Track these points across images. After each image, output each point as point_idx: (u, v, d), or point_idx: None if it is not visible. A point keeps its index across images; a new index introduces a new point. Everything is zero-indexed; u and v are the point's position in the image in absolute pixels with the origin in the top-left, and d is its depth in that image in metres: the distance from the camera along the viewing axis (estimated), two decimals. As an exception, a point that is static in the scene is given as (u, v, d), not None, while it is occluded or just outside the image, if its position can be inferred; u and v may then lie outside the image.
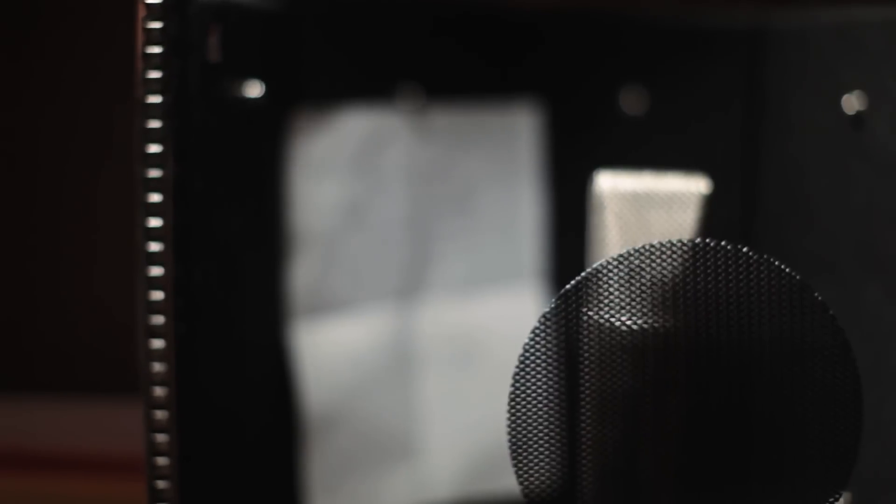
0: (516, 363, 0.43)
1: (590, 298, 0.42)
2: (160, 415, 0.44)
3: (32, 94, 1.00)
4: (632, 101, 0.62)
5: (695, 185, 0.46)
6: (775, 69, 0.57)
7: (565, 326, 0.42)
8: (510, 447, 0.43)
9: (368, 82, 0.59)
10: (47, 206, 1.02)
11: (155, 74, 0.43)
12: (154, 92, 0.43)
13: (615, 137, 0.62)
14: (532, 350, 0.43)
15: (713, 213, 0.48)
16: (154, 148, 0.43)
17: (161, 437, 0.44)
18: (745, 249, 0.42)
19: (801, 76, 0.55)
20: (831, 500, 0.42)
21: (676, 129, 0.61)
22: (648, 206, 0.46)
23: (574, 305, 0.42)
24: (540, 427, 0.43)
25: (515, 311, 0.63)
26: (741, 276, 0.42)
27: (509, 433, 0.43)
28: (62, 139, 0.99)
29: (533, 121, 0.63)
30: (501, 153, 0.63)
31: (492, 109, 0.62)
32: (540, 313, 0.42)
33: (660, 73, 0.61)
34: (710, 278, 0.42)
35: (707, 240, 0.42)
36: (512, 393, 0.43)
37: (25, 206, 1.03)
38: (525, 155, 0.64)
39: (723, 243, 0.42)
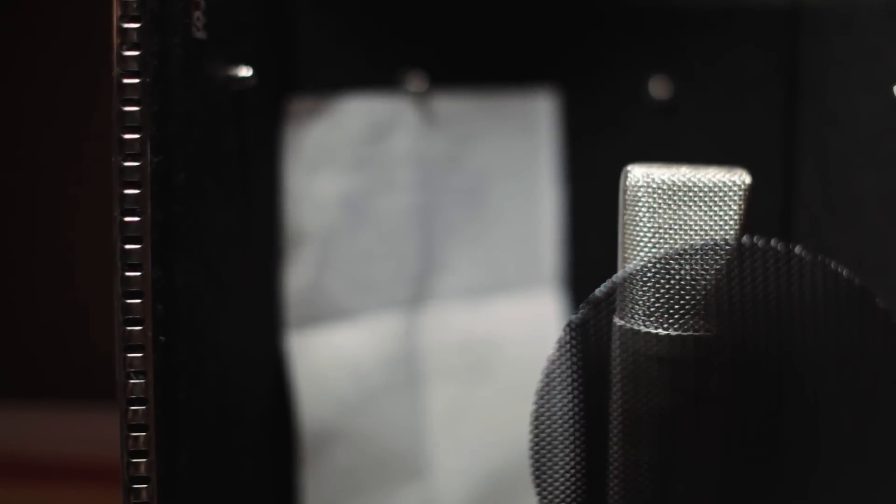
0: (540, 378, 0.41)
1: (622, 305, 0.42)
2: (137, 435, 0.42)
3: (8, 91, 0.99)
4: (659, 88, 0.61)
5: (738, 177, 0.44)
6: (815, 52, 0.56)
7: (594, 336, 0.41)
8: (533, 469, 0.41)
9: (371, 64, 0.58)
10: (25, 204, 1.01)
11: (132, 52, 0.41)
12: (131, 72, 0.41)
13: (641, 127, 0.61)
14: (558, 363, 0.41)
15: (754, 208, 0.46)
16: (130, 135, 0.41)
17: (139, 461, 0.42)
18: (797, 250, 0.40)
19: (844, 60, 0.54)
20: (896, 530, 0.41)
21: (707, 117, 0.60)
22: (686, 201, 0.43)
23: (604, 313, 0.41)
24: (566, 448, 0.42)
25: (534, 319, 0.62)
26: (793, 281, 0.40)
27: (532, 454, 0.41)
28: (40, 137, 0.98)
29: (553, 107, 0.62)
30: (518, 143, 0.62)
31: (507, 95, 0.61)
32: (562, 321, 0.41)
33: (689, 56, 0.60)
34: (757, 282, 0.40)
35: (755, 239, 0.40)
36: (535, 411, 0.41)
37: (4, 205, 1.03)
38: (544, 145, 0.62)
39: (772, 243, 0.40)
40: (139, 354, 0.42)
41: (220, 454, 0.49)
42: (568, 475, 0.42)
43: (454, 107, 0.59)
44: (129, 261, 0.41)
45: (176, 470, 0.43)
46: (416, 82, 0.59)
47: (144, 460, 0.42)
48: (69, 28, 0.94)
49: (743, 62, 0.59)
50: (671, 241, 0.43)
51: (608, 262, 0.47)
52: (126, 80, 0.41)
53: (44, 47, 0.97)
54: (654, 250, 0.43)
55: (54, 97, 0.97)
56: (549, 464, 0.41)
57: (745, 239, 0.40)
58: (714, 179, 0.44)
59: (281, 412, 0.56)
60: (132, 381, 0.42)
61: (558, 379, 0.41)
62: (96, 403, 0.96)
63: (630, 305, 0.42)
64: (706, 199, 0.44)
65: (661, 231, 0.43)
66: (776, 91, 0.57)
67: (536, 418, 0.41)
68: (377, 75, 0.58)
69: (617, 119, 0.61)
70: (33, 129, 0.99)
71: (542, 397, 0.41)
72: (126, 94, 0.41)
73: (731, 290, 0.40)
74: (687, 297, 0.41)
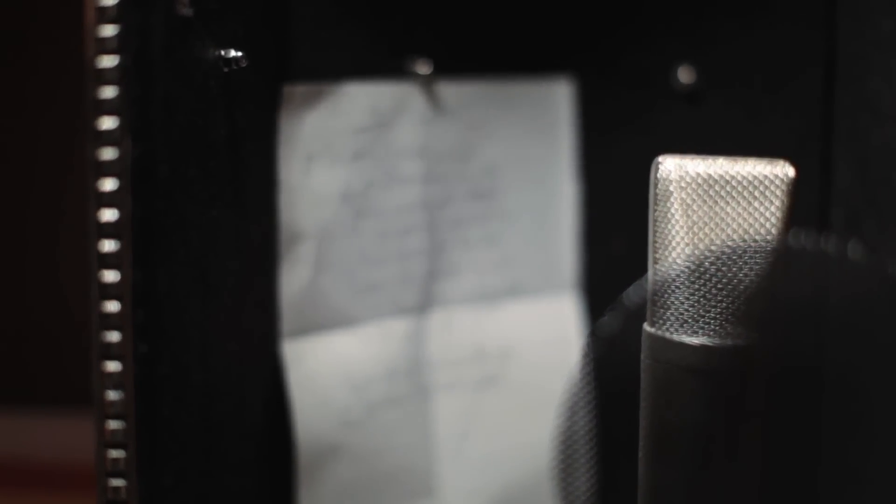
0: (563, 392, 0.42)
1: (653, 310, 0.41)
2: (116, 454, 0.41)
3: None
4: (687, 75, 0.59)
5: (781, 169, 0.43)
6: (855, 35, 0.54)
7: (621, 346, 0.42)
8: (555, 491, 0.41)
9: (373, 48, 0.57)
10: (8, 201, 1.02)
11: (109, 30, 0.39)
12: (108, 52, 0.39)
13: (668, 117, 0.60)
14: (582, 376, 0.42)
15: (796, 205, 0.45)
16: (107, 122, 0.40)
17: (117, 482, 0.41)
18: (850, 251, 0.40)
19: (888, 43, 0.52)
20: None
21: (738, 107, 0.59)
22: (724, 196, 0.42)
23: (632, 320, 0.41)
24: (591, 468, 0.42)
25: (551, 326, 0.61)
26: (844, 285, 0.40)
27: (555, 475, 0.41)
28: (26, 137, 0.98)
29: (571, 94, 0.61)
30: (533, 133, 0.61)
31: (521, 81, 0.60)
32: (582, 329, 0.40)
33: (718, 40, 0.59)
34: (803, 286, 0.41)
35: (802, 239, 0.40)
36: (559, 428, 0.41)
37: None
38: (562, 135, 0.62)
39: (822, 242, 0.40)
40: (118, 365, 0.41)
41: (208, 475, 0.48)
42: (593, 497, 0.41)
43: (464, 93, 0.59)
44: (107, 261, 0.40)
45: (159, 493, 0.43)
46: (422, 67, 0.58)
47: (124, 483, 0.41)
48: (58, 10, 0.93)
49: (776, 46, 0.58)
50: (707, 240, 0.42)
51: (632, 263, 0.48)
52: (103, 60, 0.39)
53: (39, 62, 0.96)
54: (687, 250, 0.42)
55: (41, 89, 0.97)
56: (574, 485, 0.41)
57: (790, 238, 0.40)
58: (754, 172, 0.43)
59: (277, 427, 0.55)
60: (110, 394, 0.41)
61: (583, 392, 0.41)
62: (73, 409, 0.96)
63: (661, 311, 0.42)
64: (745, 193, 0.43)
65: (695, 229, 0.42)
66: (813, 77, 0.56)
67: (559, 436, 0.41)
68: (380, 60, 0.58)
69: (641, 108, 0.61)
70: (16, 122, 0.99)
71: (565, 413, 0.41)
72: (102, 77, 0.40)
73: (774, 294, 0.39)
74: (724, 303, 0.40)
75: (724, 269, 0.40)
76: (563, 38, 0.61)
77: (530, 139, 0.61)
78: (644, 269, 0.45)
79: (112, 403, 0.41)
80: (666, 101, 0.60)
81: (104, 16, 0.39)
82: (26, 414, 1.09)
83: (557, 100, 0.61)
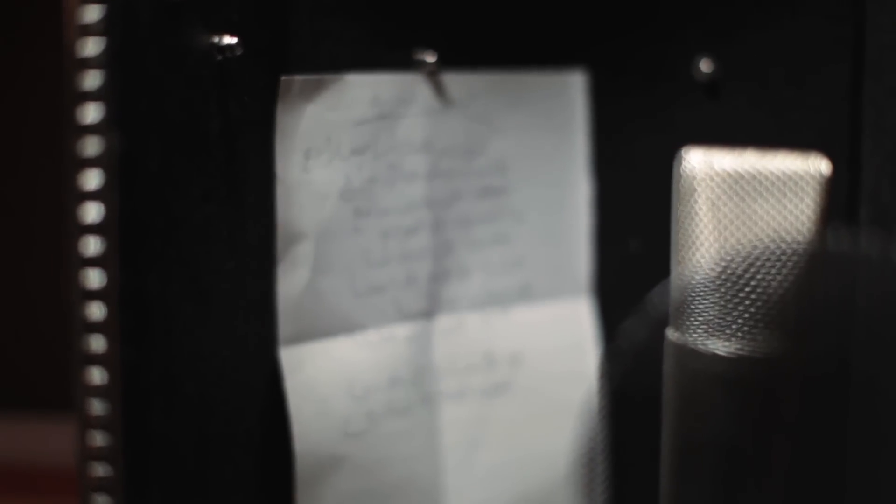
0: (583, 402, 0.41)
1: (678, 316, 0.41)
2: (101, 470, 0.41)
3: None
4: (708, 67, 0.59)
5: (813, 165, 0.42)
6: (884, 24, 0.53)
7: (643, 353, 0.41)
8: None
9: (377, 35, 0.56)
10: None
11: (93, 12, 0.39)
12: (91, 32, 0.39)
13: (688, 110, 0.59)
14: (600, 385, 0.41)
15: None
16: (91, 112, 0.39)
17: (102, 499, 0.41)
18: (888, 251, 0.38)
19: None
20: None
21: (762, 100, 0.58)
22: (752, 192, 0.42)
23: (655, 325, 0.41)
24: (607, 484, 0.41)
25: (565, 332, 0.61)
26: (886, 291, 0.39)
27: (578, 491, 0.41)
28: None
29: (585, 87, 0.61)
30: (546, 128, 0.60)
31: (533, 73, 0.60)
32: (598, 334, 0.38)
33: (742, 29, 0.58)
34: (842, 292, 0.39)
35: (840, 240, 0.39)
36: (581, 438, 0.40)
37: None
38: (576, 130, 0.61)
39: (863, 244, 0.39)
40: (102, 373, 0.40)
41: (201, 490, 0.48)
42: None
43: (472, 85, 0.58)
44: (90, 263, 0.40)
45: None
46: (427, 56, 0.58)
47: (109, 500, 0.41)
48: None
49: (802, 37, 0.57)
50: (735, 240, 0.41)
51: (650, 265, 0.48)
52: (86, 45, 0.39)
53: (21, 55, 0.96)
54: (713, 251, 0.41)
55: (20, 76, 0.96)
56: (594, 501, 0.41)
57: (824, 238, 0.39)
58: (786, 168, 0.43)
59: (274, 438, 0.55)
60: (93, 404, 0.40)
61: (602, 403, 0.40)
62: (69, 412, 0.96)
63: (685, 317, 0.41)
64: (776, 191, 0.42)
65: (721, 227, 0.42)
66: (840, 70, 0.56)
67: (579, 449, 0.40)
68: (383, 49, 0.57)
69: (660, 102, 0.60)
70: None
71: (584, 425, 0.40)
72: (85, 63, 0.39)
73: (807, 298, 0.39)
74: (754, 308, 0.39)
75: (753, 271, 0.39)
76: (577, 29, 0.61)
77: (542, 133, 0.60)
78: (662, 271, 0.45)
79: (95, 415, 0.40)
80: (685, 94, 0.59)
81: (89, -5, 0.40)
82: (22, 417, 1.09)
83: (571, 92, 0.60)
